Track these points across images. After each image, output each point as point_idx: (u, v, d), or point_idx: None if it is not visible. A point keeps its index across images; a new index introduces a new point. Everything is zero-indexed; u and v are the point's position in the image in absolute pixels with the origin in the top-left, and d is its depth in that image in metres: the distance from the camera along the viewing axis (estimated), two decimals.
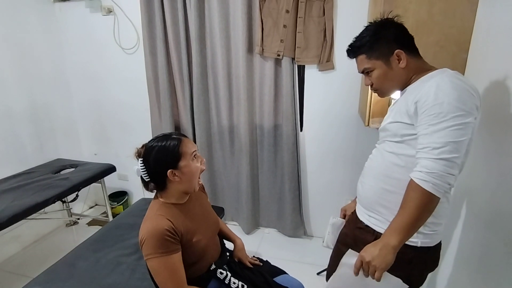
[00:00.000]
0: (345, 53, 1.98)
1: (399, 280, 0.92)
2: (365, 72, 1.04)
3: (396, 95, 1.11)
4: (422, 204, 0.85)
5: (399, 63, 0.98)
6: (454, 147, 0.82)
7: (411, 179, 0.86)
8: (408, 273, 0.98)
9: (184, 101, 2.37)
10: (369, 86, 1.07)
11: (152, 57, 2.33)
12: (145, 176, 1.07)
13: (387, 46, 0.98)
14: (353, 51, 1.06)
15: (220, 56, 2.16)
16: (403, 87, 1.02)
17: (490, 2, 1.20)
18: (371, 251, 0.87)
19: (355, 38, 1.06)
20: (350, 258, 0.95)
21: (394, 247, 0.86)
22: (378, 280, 0.86)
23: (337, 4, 1.91)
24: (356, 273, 0.91)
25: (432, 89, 0.86)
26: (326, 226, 1.37)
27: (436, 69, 0.97)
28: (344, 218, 1.33)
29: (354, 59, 1.09)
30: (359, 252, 0.92)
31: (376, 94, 1.11)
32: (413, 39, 1.01)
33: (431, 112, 0.84)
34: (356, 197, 1.28)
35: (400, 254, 0.94)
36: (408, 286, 0.94)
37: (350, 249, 0.99)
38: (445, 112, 0.82)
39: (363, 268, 0.89)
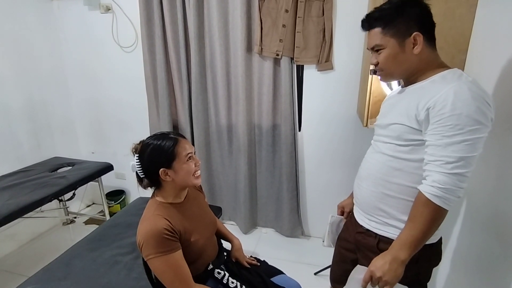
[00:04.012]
0: (344, 54, 2.02)
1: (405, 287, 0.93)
2: (375, 49, 0.95)
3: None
4: (432, 219, 0.84)
5: (413, 47, 0.89)
6: (467, 162, 0.80)
7: (421, 193, 0.84)
8: (416, 272, 0.99)
9: (182, 100, 2.37)
10: (374, 66, 0.98)
11: (150, 55, 2.32)
12: (140, 172, 1.08)
13: (406, 25, 0.89)
14: (369, 22, 0.94)
15: (219, 55, 2.15)
16: (408, 76, 0.96)
17: (489, 4, 1.20)
18: (380, 266, 0.87)
19: (375, 8, 0.95)
20: (358, 273, 0.95)
21: (404, 261, 0.86)
22: None
23: (337, 4, 1.91)
24: (364, 287, 0.91)
25: (450, 97, 0.80)
26: (324, 226, 1.37)
27: (447, 67, 0.92)
28: (342, 215, 1.32)
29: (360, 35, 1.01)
30: (366, 264, 0.93)
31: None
32: (434, 27, 0.92)
33: (447, 122, 0.80)
34: (352, 193, 1.27)
35: None
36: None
37: (358, 265, 0.98)
38: (462, 125, 0.78)
39: (372, 282, 0.89)
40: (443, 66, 0.93)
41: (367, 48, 1.00)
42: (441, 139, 0.81)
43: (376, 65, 0.97)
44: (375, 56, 0.96)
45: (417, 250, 0.87)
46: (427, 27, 0.91)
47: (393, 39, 0.90)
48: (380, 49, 0.93)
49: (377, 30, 0.92)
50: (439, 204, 0.82)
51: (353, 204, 1.21)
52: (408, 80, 0.97)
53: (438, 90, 0.84)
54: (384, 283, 0.86)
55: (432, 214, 0.83)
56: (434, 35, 0.93)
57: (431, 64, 0.92)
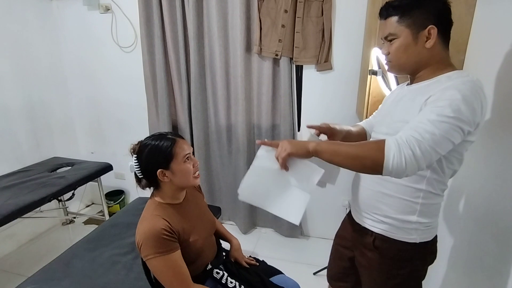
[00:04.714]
0: (343, 54, 2.02)
1: (315, 167, 0.93)
2: (388, 38, 0.93)
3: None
4: (365, 162, 0.83)
5: (426, 41, 0.88)
6: (438, 140, 0.77)
7: (385, 141, 0.80)
8: (411, 269, 0.99)
9: (181, 100, 2.37)
10: (384, 56, 0.97)
11: (150, 55, 2.32)
12: (138, 173, 1.08)
13: (423, 17, 0.87)
14: (387, 10, 0.92)
15: (218, 55, 2.16)
16: (416, 71, 0.94)
17: (487, 4, 1.21)
18: (291, 145, 0.91)
19: None
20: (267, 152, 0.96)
21: (307, 151, 0.89)
22: (283, 164, 0.91)
23: (336, 4, 1.92)
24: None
25: (448, 90, 0.81)
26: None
27: (455, 68, 0.92)
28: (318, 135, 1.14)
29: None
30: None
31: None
32: (451, 25, 0.91)
33: (439, 104, 0.79)
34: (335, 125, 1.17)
35: (402, 253, 0.96)
36: (323, 170, 0.95)
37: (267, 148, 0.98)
38: (451, 109, 0.77)
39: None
40: (451, 67, 0.92)
41: (380, 38, 0.97)
42: (427, 114, 0.80)
43: (386, 55, 0.95)
44: (387, 46, 0.94)
45: (318, 156, 0.89)
46: (444, 24, 0.89)
47: (407, 29, 0.89)
48: (393, 39, 0.92)
49: (393, 19, 0.91)
50: (386, 156, 0.77)
51: (326, 127, 1.13)
52: (415, 76, 0.96)
53: (440, 85, 0.84)
54: (284, 153, 0.90)
55: (371, 160, 0.81)
56: (449, 33, 0.91)
57: (440, 63, 0.91)
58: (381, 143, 0.80)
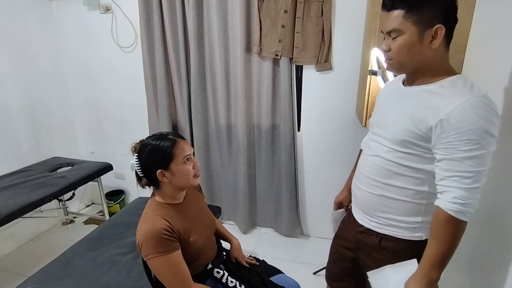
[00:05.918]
0: (343, 54, 2.03)
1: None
2: (391, 34, 0.87)
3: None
4: (458, 234, 0.85)
5: (432, 40, 0.84)
6: (483, 175, 0.81)
7: (443, 210, 0.83)
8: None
9: (182, 100, 2.37)
10: (383, 52, 0.92)
11: (150, 55, 2.32)
12: (139, 171, 1.09)
13: (431, 15, 0.82)
14: (392, 1, 0.85)
15: (218, 56, 2.16)
16: (416, 72, 0.91)
17: (487, 5, 1.21)
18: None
19: None
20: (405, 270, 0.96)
21: (437, 280, 0.89)
22: None
23: (335, 4, 1.92)
24: None
25: (467, 112, 0.78)
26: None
27: (455, 71, 0.89)
28: (341, 207, 1.34)
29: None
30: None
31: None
32: (456, 23, 0.86)
33: (464, 137, 0.78)
34: (345, 186, 1.30)
35: (408, 251, 0.97)
36: None
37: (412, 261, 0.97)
38: (479, 139, 0.78)
39: None
40: (451, 70, 0.90)
41: (381, 31, 0.91)
42: (456, 153, 0.80)
43: (387, 51, 0.90)
44: (389, 42, 0.89)
45: (446, 265, 0.88)
46: (451, 22, 0.85)
47: (414, 26, 0.83)
48: (397, 35, 0.86)
49: (399, 13, 0.84)
50: (463, 219, 0.82)
51: (350, 197, 1.22)
52: (415, 76, 0.92)
53: (451, 101, 0.81)
54: None
55: (457, 229, 0.84)
56: (453, 33, 0.87)
57: (441, 64, 0.88)
58: (449, 218, 0.83)
